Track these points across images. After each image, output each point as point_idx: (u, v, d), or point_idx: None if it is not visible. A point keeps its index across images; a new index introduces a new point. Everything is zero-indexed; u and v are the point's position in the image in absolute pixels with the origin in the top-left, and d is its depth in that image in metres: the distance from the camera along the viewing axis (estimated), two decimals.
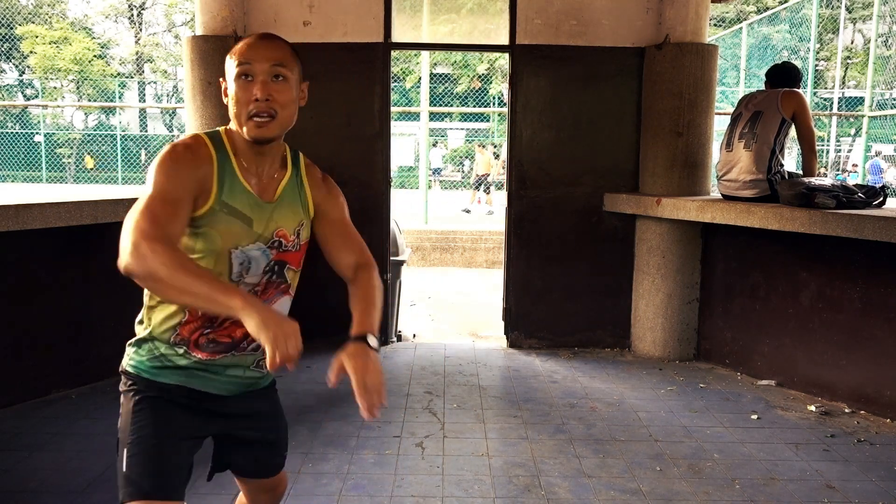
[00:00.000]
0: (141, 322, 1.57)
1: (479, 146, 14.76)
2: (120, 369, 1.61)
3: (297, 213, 1.56)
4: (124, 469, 1.55)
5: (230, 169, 1.46)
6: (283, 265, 1.56)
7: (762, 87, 4.25)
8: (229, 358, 1.55)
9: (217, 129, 1.52)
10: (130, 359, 1.58)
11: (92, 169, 16.96)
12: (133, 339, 1.59)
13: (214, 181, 1.43)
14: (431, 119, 14.11)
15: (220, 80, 1.51)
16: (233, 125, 1.48)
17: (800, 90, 4.07)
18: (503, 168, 13.10)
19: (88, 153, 16.94)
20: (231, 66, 1.44)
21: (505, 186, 4.89)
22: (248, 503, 1.90)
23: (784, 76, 4.09)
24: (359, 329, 1.49)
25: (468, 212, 13.04)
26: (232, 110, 1.45)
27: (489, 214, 12.67)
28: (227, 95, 1.47)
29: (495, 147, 15.18)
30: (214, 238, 1.43)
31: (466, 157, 15.03)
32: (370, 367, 1.38)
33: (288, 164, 1.57)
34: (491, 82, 19.98)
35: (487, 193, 13.69)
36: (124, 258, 1.28)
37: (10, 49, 19.44)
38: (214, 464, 1.82)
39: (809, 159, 4.00)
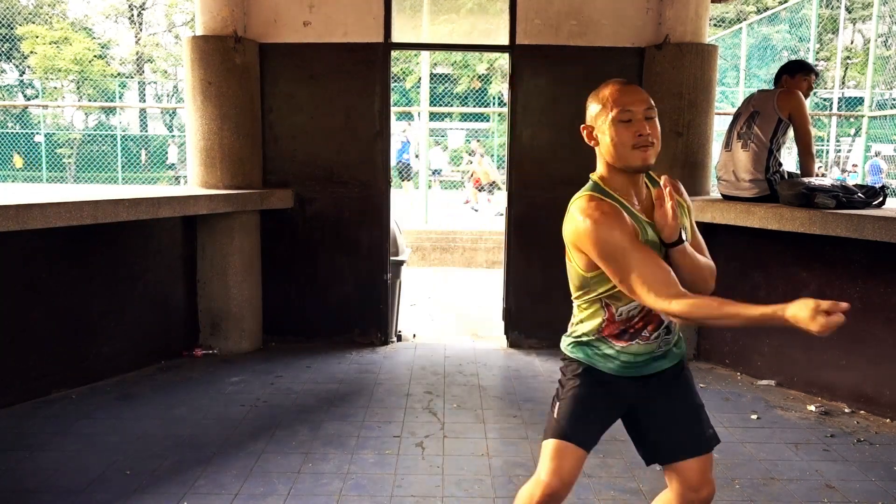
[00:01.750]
0: (575, 325, 1.94)
1: (480, 156, 14.70)
2: (563, 356, 1.98)
3: (684, 230, 1.81)
4: (554, 415, 1.88)
5: (631, 212, 1.75)
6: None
7: (763, 87, 4.24)
8: (635, 346, 1.83)
9: (590, 184, 1.83)
10: (571, 350, 1.93)
11: (20, 169, 16.76)
12: (570, 336, 1.96)
13: (635, 226, 1.72)
14: (431, 119, 14.10)
15: (583, 127, 1.81)
16: (602, 168, 1.80)
17: (809, 78, 3.97)
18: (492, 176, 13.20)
19: (17, 152, 16.71)
20: (605, 112, 1.73)
21: (505, 186, 4.89)
22: (673, 500, 1.97)
23: (781, 70, 4.04)
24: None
25: (477, 210, 13.15)
26: (611, 150, 1.74)
27: (500, 215, 12.76)
28: (595, 140, 1.78)
29: (475, 155, 15.02)
30: None
31: (468, 154, 14.98)
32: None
33: (649, 184, 1.86)
34: (491, 82, 19.97)
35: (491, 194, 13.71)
36: (663, 308, 1.62)
37: (11, 49, 19.43)
38: (645, 452, 2.01)
39: (806, 161, 3.96)
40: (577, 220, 1.74)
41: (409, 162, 13.34)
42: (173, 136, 19.25)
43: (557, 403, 1.89)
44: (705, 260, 1.83)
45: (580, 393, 1.86)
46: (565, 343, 1.97)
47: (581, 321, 1.89)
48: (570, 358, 1.94)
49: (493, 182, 13.51)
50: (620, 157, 1.74)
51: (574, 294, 1.90)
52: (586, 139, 1.80)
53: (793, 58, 14.70)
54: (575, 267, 1.85)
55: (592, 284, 1.81)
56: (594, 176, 1.84)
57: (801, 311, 1.43)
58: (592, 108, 1.78)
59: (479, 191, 13.83)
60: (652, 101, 1.76)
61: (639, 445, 1.99)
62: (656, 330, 1.83)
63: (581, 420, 1.86)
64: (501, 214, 12.59)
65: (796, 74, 3.98)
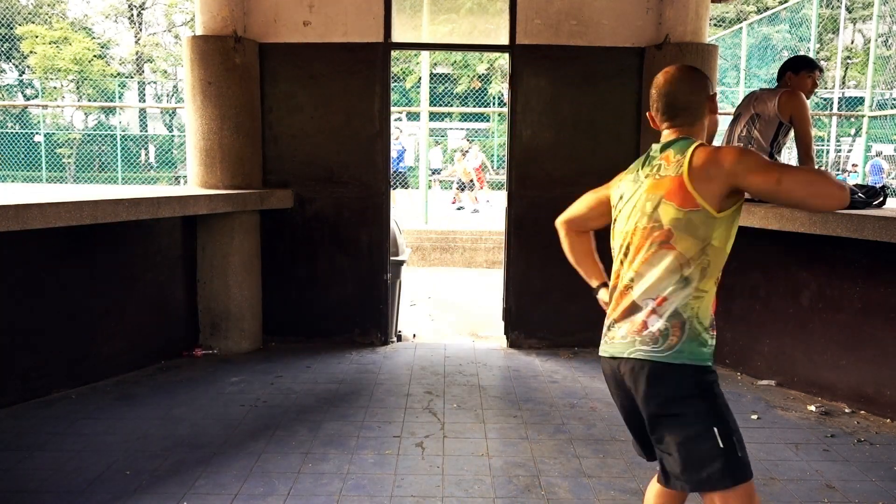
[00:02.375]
0: (690, 318, 1.73)
1: (462, 153, 14.69)
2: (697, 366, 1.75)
3: None
4: (738, 453, 1.75)
5: None
6: None
7: (762, 86, 4.20)
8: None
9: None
10: (703, 356, 1.74)
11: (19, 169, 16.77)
12: (691, 334, 1.73)
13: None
14: (431, 119, 14.10)
15: (714, 96, 1.91)
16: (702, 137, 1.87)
17: (814, 75, 3.88)
18: (474, 172, 13.23)
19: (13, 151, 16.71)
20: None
21: (505, 186, 4.89)
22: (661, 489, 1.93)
23: (785, 66, 3.96)
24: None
25: (462, 209, 13.19)
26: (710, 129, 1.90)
27: (475, 213, 12.82)
28: (713, 112, 1.89)
29: (463, 152, 14.99)
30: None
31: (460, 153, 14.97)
32: None
33: None
34: (491, 82, 19.97)
35: (472, 191, 13.76)
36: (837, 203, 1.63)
37: (10, 49, 19.43)
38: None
39: (805, 164, 3.92)
40: (734, 149, 1.73)
41: (406, 171, 13.32)
42: (173, 136, 19.24)
43: (734, 434, 1.76)
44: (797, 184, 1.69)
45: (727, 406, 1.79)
46: (694, 349, 1.72)
47: (697, 306, 1.72)
48: (705, 368, 1.75)
49: (472, 180, 13.59)
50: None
51: (686, 271, 1.72)
52: (709, 109, 1.87)
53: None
54: (703, 216, 1.71)
55: (717, 235, 1.73)
56: (697, 141, 1.82)
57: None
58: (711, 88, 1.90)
59: (461, 189, 13.86)
60: None
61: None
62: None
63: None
64: (477, 212, 12.72)
65: (801, 71, 3.87)
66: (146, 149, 18.85)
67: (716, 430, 1.71)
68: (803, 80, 3.87)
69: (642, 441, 1.91)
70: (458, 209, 13.23)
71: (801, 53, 14.37)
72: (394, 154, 12.19)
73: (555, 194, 4.66)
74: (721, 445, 1.70)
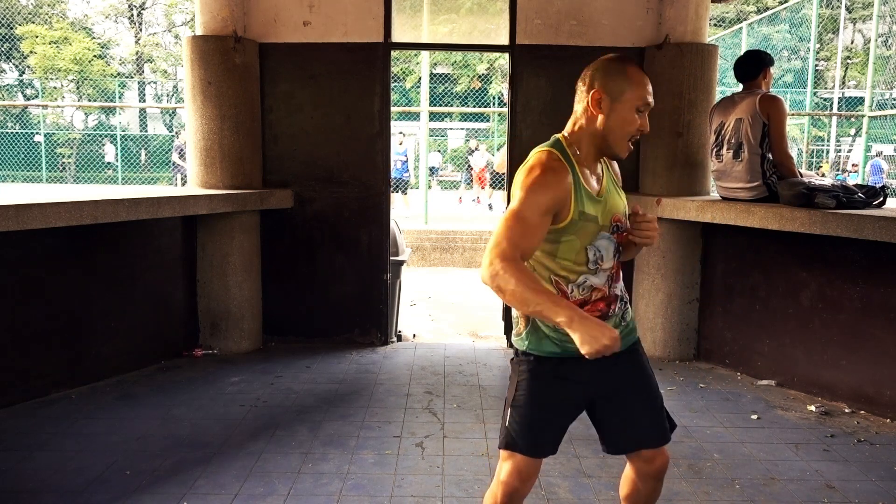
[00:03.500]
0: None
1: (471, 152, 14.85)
2: (514, 349, 1.90)
3: (621, 197, 1.85)
4: (506, 423, 1.83)
5: (580, 182, 1.73)
6: (621, 245, 1.85)
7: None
8: None
9: (559, 141, 1.78)
10: (522, 341, 1.85)
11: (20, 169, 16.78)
12: (519, 324, 1.86)
13: (573, 197, 1.70)
14: (431, 119, 14.11)
15: (596, 91, 1.72)
16: (577, 133, 1.77)
17: (767, 76, 3.95)
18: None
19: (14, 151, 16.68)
20: (630, 94, 1.71)
21: (505, 186, 4.89)
22: (634, 476, 1.98)
23: (747, 64, 3.96)
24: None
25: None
26: (609, 129, 1.73)
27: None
28: (598, 109, 1.73)
29: (474, 153, 15.19)
30: (573, 241, 1.72)
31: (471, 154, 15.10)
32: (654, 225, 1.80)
33: (602, 161, 1.84)
34: (491, 82, 19.98)
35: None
36: (486, 273, 1.59)
37: (10, 49, 19.43)
38: (606, 442, 1.96)
39: (786, 164, 3.89)
40: (529, 165, 1.73)
41: (408, 179, 13.30)
42: (173, 135, 19.25)
43: (509, 409, 1.84)
44: None
45: (535, 393, 1.81)
46: (521, 337, 1.86)
47: None
48: (525, 352, 1.85)
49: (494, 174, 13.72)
50: (613, 140, 1.74)
51: None
52: (591, 104, 1.74)
53: (793, 57, 14.73)
54: None
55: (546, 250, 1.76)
56: (559, 136, 1.81)
57: (576, 340, 1.53)
58: (617, 81, 1.72)
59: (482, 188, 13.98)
60: None
61: (602, 434, 1.96)
62: (616, 304, 1.84)
63: (537, 428, 1.82)
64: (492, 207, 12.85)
65: (770, 67, 4.00)
66: (146, 148, 18.86)
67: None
68: (769, 76, 4.00)
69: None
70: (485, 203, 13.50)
71: (799, 56, 14.38)
72: (398, 165, 12.15)
73: None
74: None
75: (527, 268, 1.62)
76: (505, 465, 1.86)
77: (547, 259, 1.76)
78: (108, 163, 17.77)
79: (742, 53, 4.11)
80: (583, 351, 1.52)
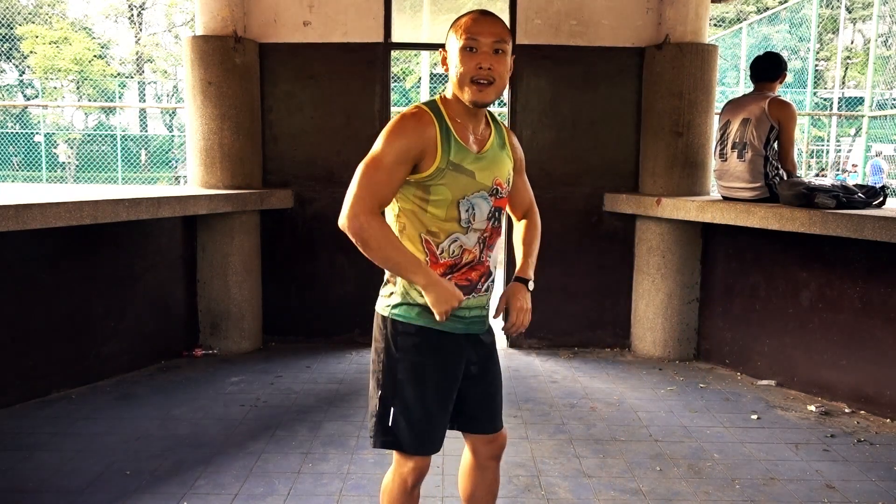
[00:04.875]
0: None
1: None
2: (377, 314, 1.85)
3: (506, 164, 1.84)
4: (388, 423, 1.79)
5: (450, 133, 1.71)
6: (500, 210, 1.84)
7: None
8: (469, 299, 1.80)
9: (433, 98, 1.77)
10: (385, 304, 1.82)
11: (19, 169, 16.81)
12: (385, 285, 1.85)
13: (438, 145, 1.68)
14: None
15: (441, 51, 1.76)
16: (449, 92, 1.75)
17: (783, 81, 4.02)
18: None
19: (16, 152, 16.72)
20: (456, 39, 1.69)
21: None
22: (475, 463, 2.01)
23: (767, 67, 3.99)
24: (521, 273, 1.93)
25: None
26: (454, 78, 1.70)
27: None
28: (445, 65, 1.74)
29: None
30: (444, 191, 1.70)
31: None
32: (525, 307, 1.88)
33: (491, 124, 1.84)
34: None
35: None
36: (343, 221, 1.63)
37: (10, 49, 19.43)
38: (459, 418, 1.95)
39: (786, 167, 3.93)
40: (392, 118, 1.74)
41: None
42: (173, 136, 19.22)
43: (393, 405, 1.77)
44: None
45: (423, 376, 1.75)
46: (385, 303, 1.81)
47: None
48: (396, 320, 1.77)
49: None
50: (459, 87, 1.71)
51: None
52: (441, 64, 1.76)
53: (793, 57, 14.72)
54: None
55: (404, 198, 1.74)
56: (437, 95, 1.80)
57: (430, 301, 1.66)
58: (449, 33, 1.74)
59: None
60: (507, 36, 1.71)
61: (458, 411, 1.94)
62: (487, 280, 1.84)
63: (433, 421, 1.79)
64: None
65: (786, 72, 4.07)
66: (146, 149, 18.86)
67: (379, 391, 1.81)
68: (783, 81, 4.09)
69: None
70: None
71: (799, 56, 14.37)
72: None
73: (555, 194, 4.67)
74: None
75: (388, 224, 1.68)
76: (414, 469, 1.84)
77: (419, 212, 1.72)
78: (62, 163, 17.76)
79: (762, 53, 4.12)
80: (435, 310, 1.65)
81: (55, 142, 17.80)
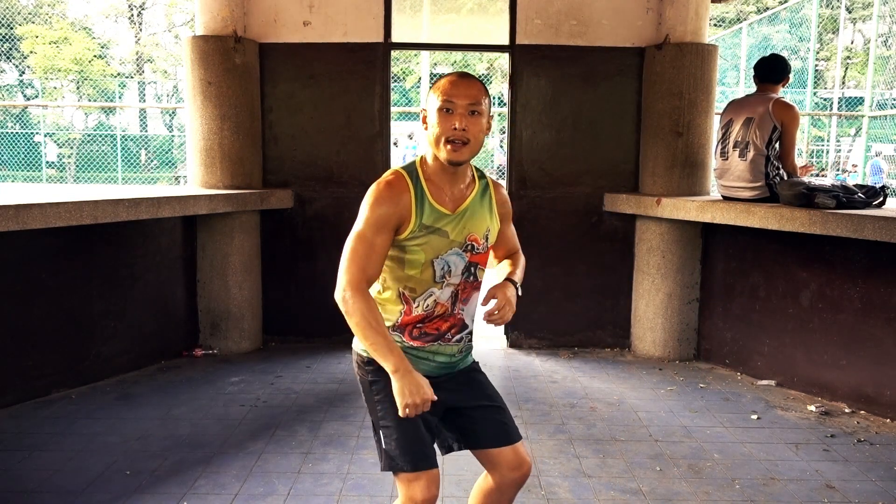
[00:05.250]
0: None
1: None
2: (353, 352, 1.96)
3: (484, 220, 1.87)
4: (383, 446, 1.86)
5: (424, 196, 1.79)
6: (476, 266, 1.88)
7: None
8: (436, 346, 1.87)
9: (413, 162, 1.85)
10: (356, 342, 1.89)
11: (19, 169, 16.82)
12: None
13: (413, 210, 1.76)
14: None
15: (422, 110, 1.83)
16: (428, 152, 1.81)
17: (786, 84, 4.04)
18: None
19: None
20: (434, 99, 1.76)
21: (505, 186, 4.89)
22: (494, 486, 1.92)
23: (772, 69, 4.00)
24: (510, 275, 1.95)
25: None
26: (432, 137, 1.77)
27: None
28: (426, 123, 1.80)
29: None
30: (419, 252, 1.78)
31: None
32: (510, 300, 1.87)
33: (476, 180, 1.89)
34: (491, 82, 19.96)
35: None
36: (338, 296, 1.75)
37: (10, 49, 19.42)
38: (440, 444, 1.96)
39: (787, 169, 3.94)
40: (371, 187, 1.82)
41: None
42: (173, 136, 19.21)
43: (381, 429, 1.85)
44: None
45: (390, 393, 1.75)
46: (356, 342, 1.89)
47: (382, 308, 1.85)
48: (363, 354, 1.88)
49: None
50: (436, 145, 1.76)
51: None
52: (422, 123, 1.83)
53: (793, 57, 14.72)
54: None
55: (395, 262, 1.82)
56: (417, 157, 1.87)
57: (395, 390, 1.68)
58: (429, 94, 1.81)
59: None
60: (482, 98, 1.76)
61: (451, 432, 1.95)
62: (459, 332, 1.88)
63: (415, 440, 1.80)
64: None
65: (790, 75, 4.09)
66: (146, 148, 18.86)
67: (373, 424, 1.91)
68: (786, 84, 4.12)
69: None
70: None
71: (799, 56, 14.36)
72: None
73: (555, 194, 4.67)
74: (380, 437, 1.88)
75: (373, 302, 1.74)
76: (414, 487, 1.79)
77: (397, 269, 1.81)
78: (49, 162, 17.75)
79: (768, 55, 4.13)
80: (399, 401, 1.67)
81: (55, 142, 17.79)
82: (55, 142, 18.08)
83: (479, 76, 20.05)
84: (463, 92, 1.74)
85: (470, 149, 1.75)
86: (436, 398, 1.69)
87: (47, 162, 17.67)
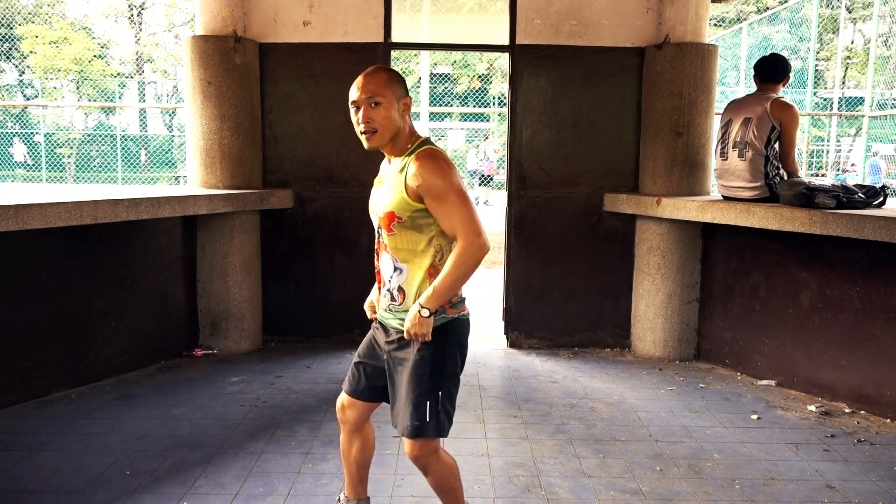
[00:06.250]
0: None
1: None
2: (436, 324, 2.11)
3: (390, 192, 2.02)
4: (438, 407, 2.09)
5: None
6: (381, 229, 2.07)
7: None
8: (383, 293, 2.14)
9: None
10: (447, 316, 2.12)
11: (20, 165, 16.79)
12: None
13: None
14: (431, 119, 14.12)
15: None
16: None
17: (786, 84, 4.04)
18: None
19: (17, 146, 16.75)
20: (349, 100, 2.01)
21: (505, 186, 4.89)
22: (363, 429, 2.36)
23: (773, 69, 4.00)
24: (422, 298, 2.00)
25: None
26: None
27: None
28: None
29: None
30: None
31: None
32: (412, 319, 1.98)
33: (408, 155, 2.03)
34: (491, 82, 19.96)
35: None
36: (481, 241, 1.98)
37: (10, 49, 19.42)
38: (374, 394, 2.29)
39: (788, 168, 3.95)
40: (442, 159, 1.97)
41: None
42: (173, 136, 19.22)
43: (448, 396, 2.13)
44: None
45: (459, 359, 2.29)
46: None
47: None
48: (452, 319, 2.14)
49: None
50: (359, 137, 2.03)
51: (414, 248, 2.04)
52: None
53: (793, 57, 14.71)
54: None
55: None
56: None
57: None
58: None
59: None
60: (382, 89, 1.95)
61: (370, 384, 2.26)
62: (383, 287, 2.13)
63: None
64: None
65: (790, 75, 4.08)
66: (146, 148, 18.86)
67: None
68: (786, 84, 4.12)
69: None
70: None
71: (799, 56, 14.37)
72: None
73: (555, 194, 4.67)
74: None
75: None
76: (443, 455, 2.15)
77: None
78: (18, 162, 17.72)
79: (769, 54, 4.12)
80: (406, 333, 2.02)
81: (55, 142, 17.78)
82: (20, 142, 18.07)
83: (480, 76, 20.09)
84: (363, 87, 1.96)
85: (380, 136, 2.00)
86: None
87: (59, 164, 17.67)
